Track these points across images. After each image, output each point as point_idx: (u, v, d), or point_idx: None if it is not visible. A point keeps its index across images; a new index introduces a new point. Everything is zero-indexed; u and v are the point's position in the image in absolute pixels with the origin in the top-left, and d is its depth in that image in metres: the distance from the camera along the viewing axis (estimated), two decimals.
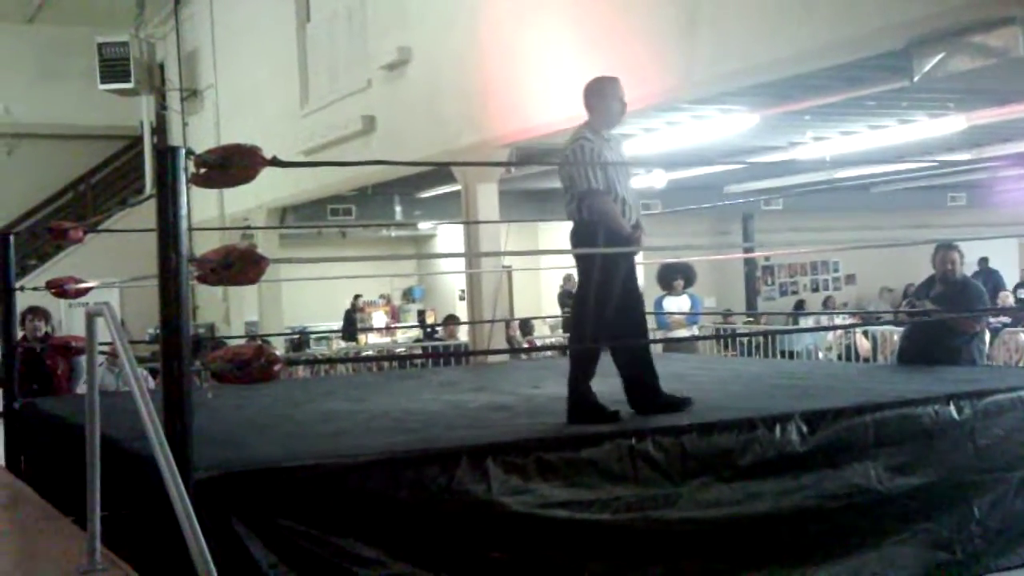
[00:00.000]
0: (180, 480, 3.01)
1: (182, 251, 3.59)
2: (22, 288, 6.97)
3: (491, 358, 9.25)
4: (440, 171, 10.81)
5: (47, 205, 18.13)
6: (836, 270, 18.61)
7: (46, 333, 7.91)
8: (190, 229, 3.71)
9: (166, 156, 3.66)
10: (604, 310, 4.76)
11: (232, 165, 3.73)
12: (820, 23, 6.36)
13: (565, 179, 4.91)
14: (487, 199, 9.97)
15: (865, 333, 10.53)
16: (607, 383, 4.94)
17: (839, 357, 11.10)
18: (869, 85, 7.73)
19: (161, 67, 17.33)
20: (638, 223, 4.91)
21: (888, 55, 6.63)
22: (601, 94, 5.01)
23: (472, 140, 9.45)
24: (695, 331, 10.21)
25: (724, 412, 4.75)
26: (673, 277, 9.82)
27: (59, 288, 6.61)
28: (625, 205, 4.85)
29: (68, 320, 14.53)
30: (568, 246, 5.01)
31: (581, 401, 4.73)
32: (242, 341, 7.96)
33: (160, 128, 17.56)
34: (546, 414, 5.03)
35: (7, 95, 17.55)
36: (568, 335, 5.23)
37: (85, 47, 16.23)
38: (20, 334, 7.80)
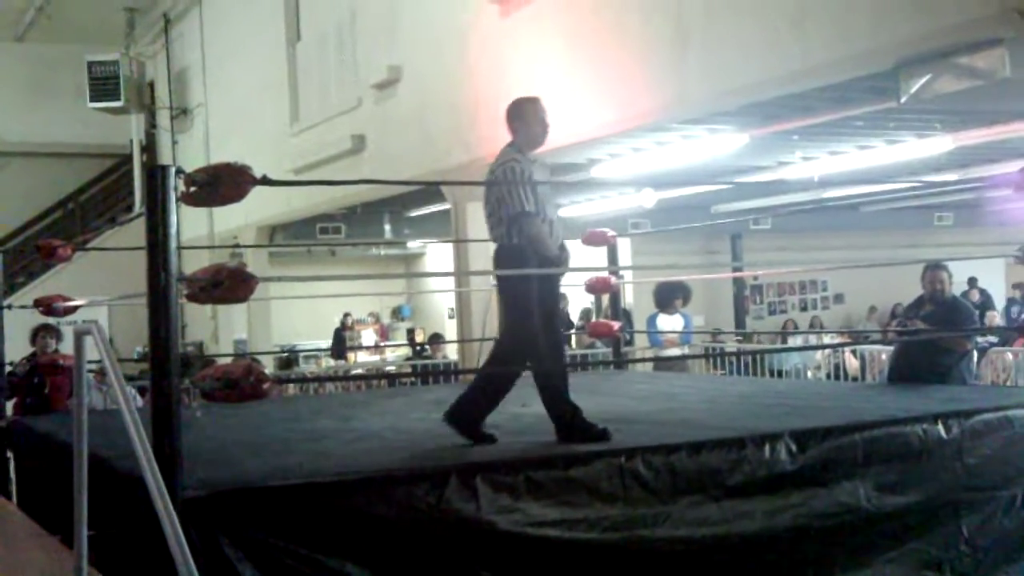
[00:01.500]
0: (168, 499, 3.00)
1: (171, 269, 3.59)
2: (10, 306, 6.96)
3: None
4: (430, 190, 10.83)
5: (36, 223, 18.10)
6: (824, 289, 18.67)
7: (56, 350, 7.90)
8: (179, 247, 3.71)
9: (156, 175, 3.66)
10: (538, 331, 4.69)
11: (222, 184, 3.74)
12: (809, 44, 6.42)
13: (492, 202, 4.79)
14: (477, 218, 9.96)
15: (854, 352, 10.56)
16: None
17: (828, 376, 11.13)
18: (857, 105, 7.77)
19: (151, 86, 17.35)
20: (563, 245, 4.86)
21: (876, 76, 6.68)
22: (522, 116, 4.92)
23: (462, 159, 9.48)
24: (687, 350, 10.22)
25: (713, 431, 4.75)
26: (674, 296, 9.82)
27: (47, 306, 6.60)
28: (552, 227, 4.79)
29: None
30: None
31: (571, 421, 4.68)
32: (231, 359, 7.96)
33: (150, 146, 17.56)
34: (534, 432, 5.02)
35: None
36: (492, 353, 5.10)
37: (75, 65, 16.24)
38: (30, 351, 7.83)
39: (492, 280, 5.60)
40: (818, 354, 11.61)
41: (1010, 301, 17.36)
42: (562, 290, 15.48)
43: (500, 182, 4.74)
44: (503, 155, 4.87)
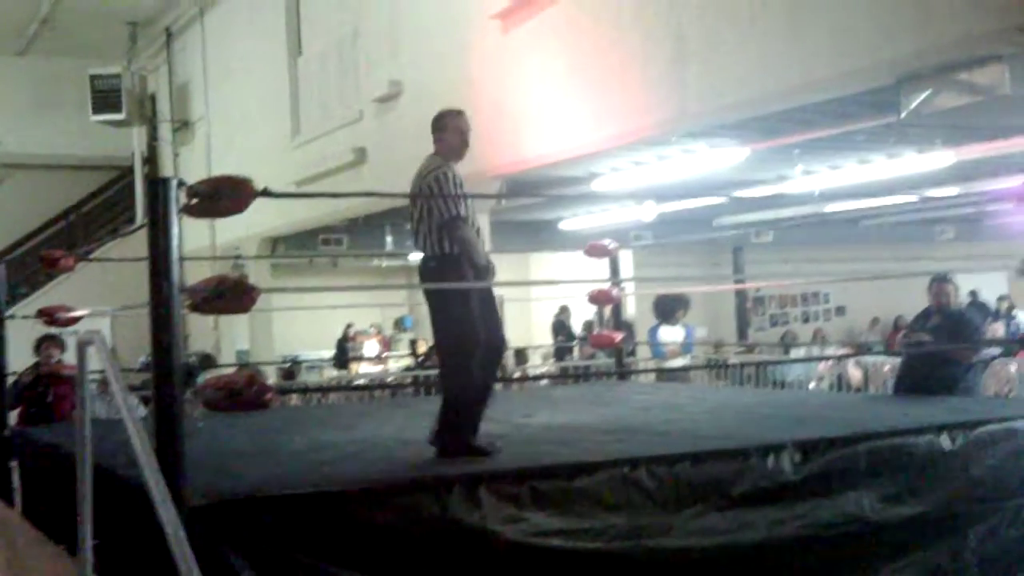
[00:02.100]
0: (172, 507, 3.00)
1: (173, 281, 3.59)
2: (12, 316, 6.96)
3: None
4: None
5: (38, 234, 18.11)
6: (826, 301, 18.67)
7: (59, 360, 7.90)
8: (181, 259, 3.71)
9: (157, 187, 3.67)
10: (473, 344, 4.60)
11: (223, 196, 3.75)
12: (811, 59, 6.43)
13: (421, 210, 4.72)
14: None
15: (857, 364, 10.54)
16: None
17: (830, 387, 11.11)
18: (858, 120, 7.80)
19: (153, 99, 17.39)
20: (489, 260, 4.80)
21: (877, 91, 6.70)
22: (441, 127, 4.91)
23: (463, 172, 9.45)
24: (689, 361, 10.22)
25: (718, 441, 4.75)
26: (675, 307, 9.82)
27: (50, 316, 6.60)
28: (479, 235, 4.77)
29: None
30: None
31: (455, 437, 4.56)
32: (234, 369, 7.96)
33: (151, 159, 17.60)
34: (539, 443, 5.02)
35: (0, 126, 17.58)
36: (442, 374, 4.99)
37: (77, 79, 16.28)
38: (33, 360, 7.83)
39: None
40: (821, 366, 11.59)
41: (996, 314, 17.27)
42: (566, 302, 15.49)
43: (426, 193, 4.68)
44: (429, 164, 4.81)
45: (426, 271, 4.78)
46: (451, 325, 4.64)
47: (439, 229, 4.65)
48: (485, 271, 4.71)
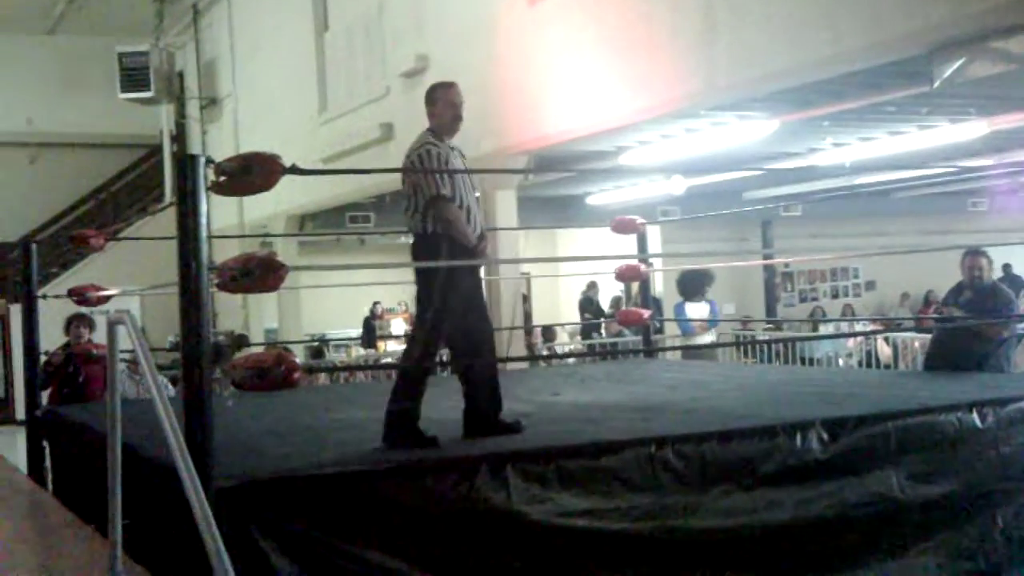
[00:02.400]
0: (200, 488, 3.01)
1: (202, 259, 3.61)
2: (44, 296, 7.02)
3: (510, 365, 9.25)
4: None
5: (69, 213, 18.27)
6: (856, 276, 18.51)
7: (89, 340, 7.94)
8: (210, 237, 3.72)
9: (186, 165, 3.67)
10: (446, 327, 4.53)
11: (251, 173, 3.75)
12: (841, 29, 6.34)
13: (408, 188, 4.65)
14: (505, 206, 9.97)
15: (887, 340, 10.47)
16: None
17: (859, 364, 11.04)
18: (889, 91, 7.68)
19: (181, 76, 17.43)
20: (483, 233, 4.71)
21: (908, 61, 6.60)
22: (432, 101, 4.79)
23: (490, 147, 9.46)
24: (715, 337, 10.16)
25: (745, 420, 4.72)
26: (700, 283, 9.74)
27: (81, 295, 6.67)
28: (470, 214, 4.63)
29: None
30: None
31: (400, 422, 4.47)
32: (262, 348, 7.99)
33: (180, 136, 17.66)
34: (566, 421, 5.02)
35: (29, 105, 17.70)
36: (406, 351, 4.94)
37: (105, 57, 16.34)
38: (64, 340, 7.90)
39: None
40: (850, 342, 11.51)
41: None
42: (593, 278, 15.41)
43: (416, 168, 4.60)
44: (419, 140, 4.72)
45: (412, 249, 4.73)
46: (429, 307, 4.54)
47: (424, 208, 4.58)
48: (473, 251, 4.60)
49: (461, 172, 4.73)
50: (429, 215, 4.58)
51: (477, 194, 4.87)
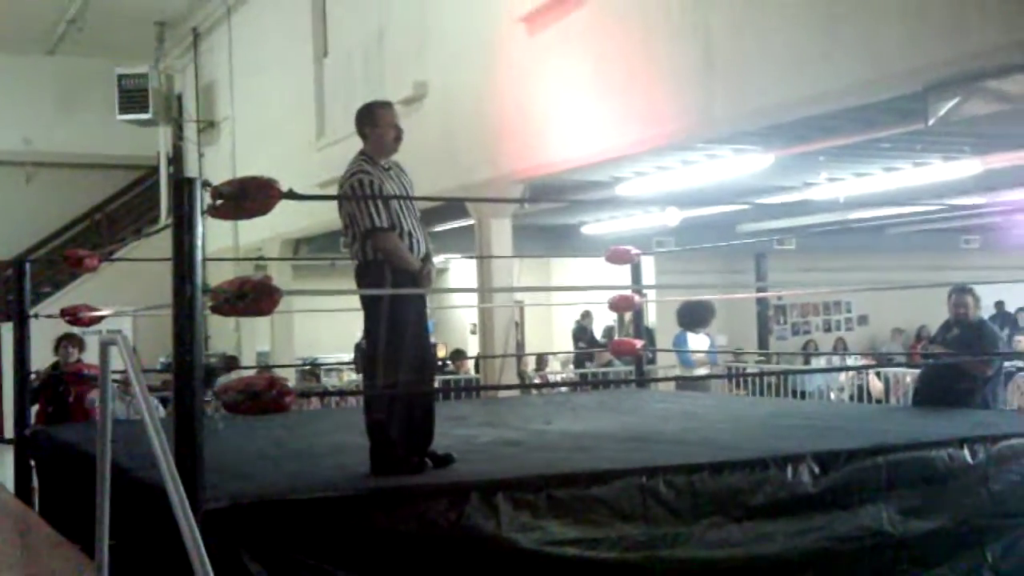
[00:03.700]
0: (189, 510, 3.01)
1: (197, 282, 3.61)
2: (36, 315, 7.01)
3: (501, 393, 9.24)
4: (454, 205, 10.85)
5: (63, 233, 18.26)
6: (848, 311, 18.54)
7: (78, 360, 7.92)
8: (204, 259, 3.73)
9: (182, 187, 3.68)
10: (398, 353, 4.44)
11: (248, 197, 3.76)
12: (837, 65, 6.39)
13: (344, 218, 4.60)
14: (500, 234, 10.00)
15: (878, 374, 10.48)
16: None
17: (851, 398, 11.04)
18: (884, 127, 7.73)
19: (179, 98, 17.49)
20: (428, 255, 4.63)
21: (904, 98, 6.64)
22: (373, 121, 4.72)
23: (487, 175, 9.50)
24: (710, 369, 10.16)
25: (736, 451, 4.72)
26: (705, 315, 9.70)
27: (73, 315, 6.65)
28: (412, 239, 4.54)
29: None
30: None
31: (381, 449, 4.41)
32: (254, 371, 7.96)
33: (176, 159, 17.69)
34: (557, 450, 5.01)
35: (27, 125, 17.72)
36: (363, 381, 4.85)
37: (104, 78, 16.41)
38: (54, 359, 7.88)
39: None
40: (842, 376, 11.52)
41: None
42: (587, 307, 15.34)
43: (348, 197, 4.54)
44: (351, 166, 4.64)
45: (356, 278, 4.67)
46: (376, 335, 4.48)
47: (363, 238, 4.53)
48: (416, 276, 4.53)
49: (414, 199, 4.68)
50: (368, 245, 4.51)
51: (419, 214, 4.76)
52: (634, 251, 7.80)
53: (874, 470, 4.60)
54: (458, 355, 12.76)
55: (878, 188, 10.67)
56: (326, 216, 12.83)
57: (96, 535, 3.57)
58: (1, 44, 17.17)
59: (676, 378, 9.70)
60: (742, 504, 4.34)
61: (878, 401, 10.15)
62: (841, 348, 16.50)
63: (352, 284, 4.72)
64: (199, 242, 3.64)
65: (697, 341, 9.72)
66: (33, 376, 7.07)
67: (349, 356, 16.82)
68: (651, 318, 13.32)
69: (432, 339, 5.75)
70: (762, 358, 13.15)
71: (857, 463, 4.59)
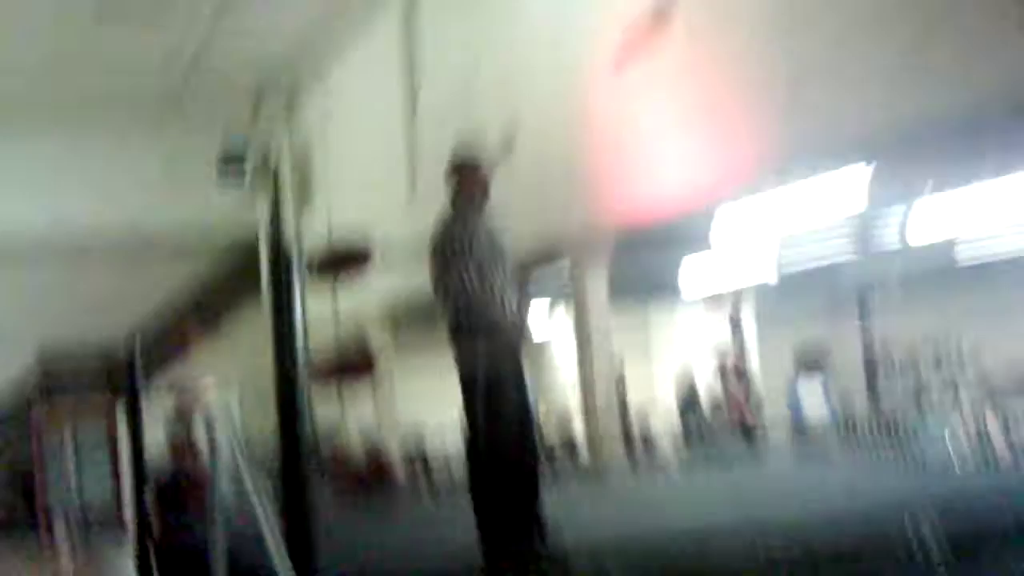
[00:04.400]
0: None
1: (298, 358, 3.54)
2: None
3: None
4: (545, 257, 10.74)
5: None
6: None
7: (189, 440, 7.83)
8: (306, 332, 3.69)
9: (279, 256, 3.65)
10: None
11: (345, 265, 3.74)
12: (934, 83, 6.17)
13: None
14: (595, 284, 9.85)
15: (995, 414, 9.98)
16: None
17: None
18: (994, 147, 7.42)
19: (276, 168, 17.79)
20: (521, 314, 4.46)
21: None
22: (459, 176, 4.77)
23: (581, 220, 9.40)
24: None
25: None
26: (819, 354, 9.18)
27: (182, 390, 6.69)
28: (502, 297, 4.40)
29: None
30: None
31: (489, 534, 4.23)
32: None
33: (275, 228, 17.93)
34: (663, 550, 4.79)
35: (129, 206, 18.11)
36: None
37: (205, 152, 16.77)
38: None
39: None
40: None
41: None
42: (690, 366, 14.68)
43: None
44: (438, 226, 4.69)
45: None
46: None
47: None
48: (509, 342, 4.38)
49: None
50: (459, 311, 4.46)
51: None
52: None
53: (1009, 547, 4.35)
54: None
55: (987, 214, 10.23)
56: (423, 279, 12.85)
57: None
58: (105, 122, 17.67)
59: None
60: None
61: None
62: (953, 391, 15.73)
63: None
64: (299, 314, 3.59)
65: (812, 389, 9.25)
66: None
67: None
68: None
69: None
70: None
71: (990, 540, 4.37)
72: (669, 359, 14.51)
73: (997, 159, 8.87)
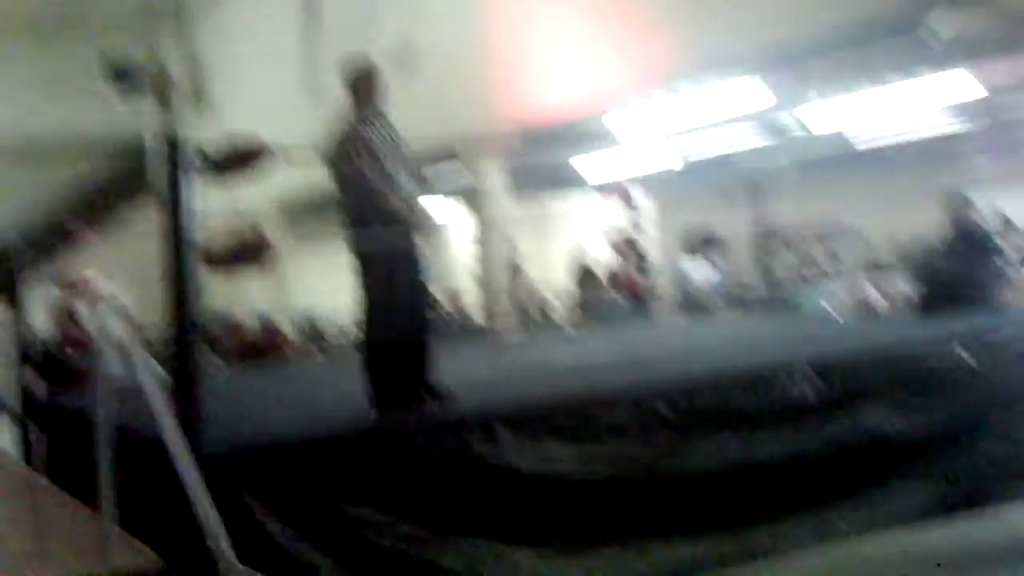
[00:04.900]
0: (191, 459, 3.04)
1: (189, 237, 3.56)
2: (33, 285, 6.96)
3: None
4: (441, 153, 10.79)
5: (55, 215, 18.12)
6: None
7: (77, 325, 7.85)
8: (197, 218, 3.69)
9: (171, 146, 3.64)
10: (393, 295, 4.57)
11: (239, 161, 3.75)
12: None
13: (336, 175, 4.73)
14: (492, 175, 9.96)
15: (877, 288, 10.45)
16: None
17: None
18: (879, 44, 7.59)
19: (168, 72, 17.33)
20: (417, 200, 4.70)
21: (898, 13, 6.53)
22: (360, 77, 4.83)
23: (478, 125, 9.44)
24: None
25: (733, 367, 4.74)
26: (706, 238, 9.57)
27: (71, 286, 6.64)
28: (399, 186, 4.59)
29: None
30: None
31: (384, 384, 4.45)
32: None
33: (165, 126, 17.57)
34: (559, 377, 5.02)
35: (15, 109, 17.61)
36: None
37: (94, 58, 16.28)
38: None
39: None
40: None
41: None
42: (585, 247, 14.94)
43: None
44: (343, 128, 4.76)
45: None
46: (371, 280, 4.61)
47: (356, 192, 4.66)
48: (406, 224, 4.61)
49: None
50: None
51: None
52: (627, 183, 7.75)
53: (871, 372, 4.63)
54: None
55: (873, 106, 10.53)
56: (319, 178, 12.76)
57: (100, 487, 3.59)
58: None
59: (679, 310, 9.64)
60: (743, 416, 4.36)
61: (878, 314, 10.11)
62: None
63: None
64: (189, 198, 3.60)
65: (697, 268, 9.62)
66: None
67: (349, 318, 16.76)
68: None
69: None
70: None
71: (854, 369, 4.63)
72: (569, 241, 14.80)
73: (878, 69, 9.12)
